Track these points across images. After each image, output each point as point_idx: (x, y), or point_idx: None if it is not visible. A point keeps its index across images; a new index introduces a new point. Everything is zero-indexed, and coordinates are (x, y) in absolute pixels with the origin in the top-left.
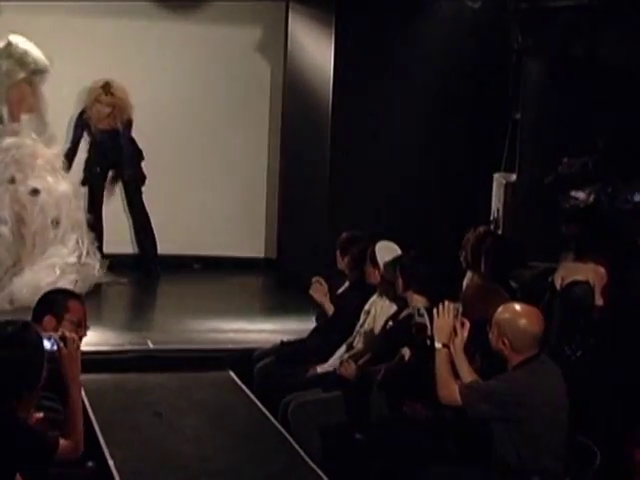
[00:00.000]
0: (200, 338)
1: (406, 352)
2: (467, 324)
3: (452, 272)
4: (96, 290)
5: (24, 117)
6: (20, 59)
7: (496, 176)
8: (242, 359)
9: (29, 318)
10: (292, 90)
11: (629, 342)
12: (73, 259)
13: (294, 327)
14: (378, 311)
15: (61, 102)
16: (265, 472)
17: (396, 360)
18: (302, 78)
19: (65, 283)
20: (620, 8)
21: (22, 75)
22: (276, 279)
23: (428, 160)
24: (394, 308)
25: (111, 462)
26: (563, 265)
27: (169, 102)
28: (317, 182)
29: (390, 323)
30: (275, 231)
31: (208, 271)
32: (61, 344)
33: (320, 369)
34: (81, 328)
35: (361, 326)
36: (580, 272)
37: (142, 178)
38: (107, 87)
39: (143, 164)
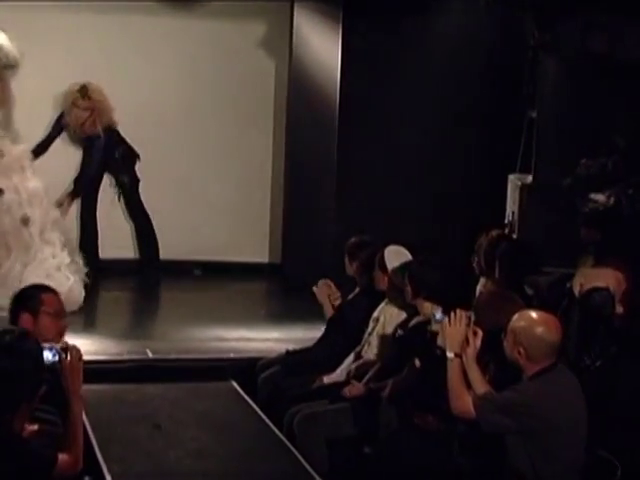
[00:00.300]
0: (202, 347)
1: (417, 363)
2: (480, 333)
3: (465, 278)
4: (93, 296)
5: None
6: None
7: (511, 177)
8: (245, 369)
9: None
10: (297, 88)
11: None
12: (67, 258)
13: (300, 335)
14: (387, 318)
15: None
16: None
17: (405, 371)
18: (308, 75)
19: (70, 283)
20: None
21: None
22: (281, 285)
23: (440, 161)
24: (403, 316)
25: (109, 477)
26: (582, 271)
27: (170, 100)
28: (323, 183)
29: (399, 331)
30: (280, 235)
31: (210, 277)
32: (63, 355)
33: (327, 379)
34: (60, 319)
35: (369, 334)
36: (599, 278)
37: (136, 182)
38: (84, 90)
39: (140, 165)
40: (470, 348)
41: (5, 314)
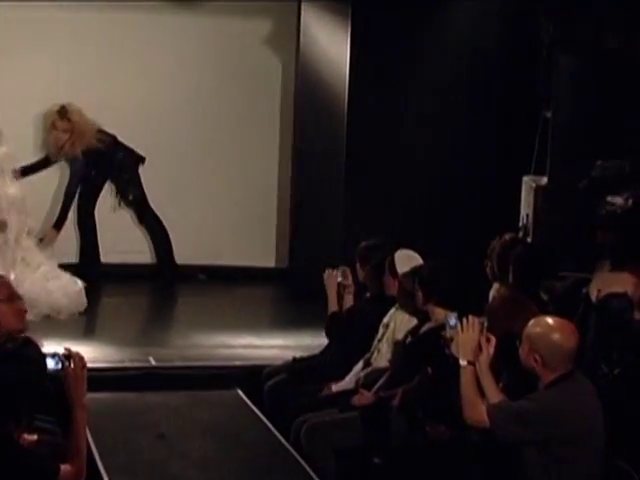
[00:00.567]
0: (206, 354)
1: (429, 371)
2: (493, 339)
3: (477, 283)
4: (94, 302)
5: None
6: None
7: (525, 179)
8: (251, 377)
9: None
10: (305, 87)
11: None
12: (55, 261)
13: (307, 342)
14: (397, 324)
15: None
16: None
17: (417, 379)
18: (316, 74)
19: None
20: None
21: None
22: (288, 290)
23: (452, 162)
24: (414, 322)
25: None
26: (598, 276)
27: (173, 100)
28: (332, 185)
29: (410, 338)
30: (287, 238)
31: (214, 282)
32: (66, 363)
33: (336, 387)
34: (14, 302)
35: (379, 340)
36: (617, 283)
37: (139, 187)
38: (63, 111)
39: (143, 168)
40: (483, 355)
41: None
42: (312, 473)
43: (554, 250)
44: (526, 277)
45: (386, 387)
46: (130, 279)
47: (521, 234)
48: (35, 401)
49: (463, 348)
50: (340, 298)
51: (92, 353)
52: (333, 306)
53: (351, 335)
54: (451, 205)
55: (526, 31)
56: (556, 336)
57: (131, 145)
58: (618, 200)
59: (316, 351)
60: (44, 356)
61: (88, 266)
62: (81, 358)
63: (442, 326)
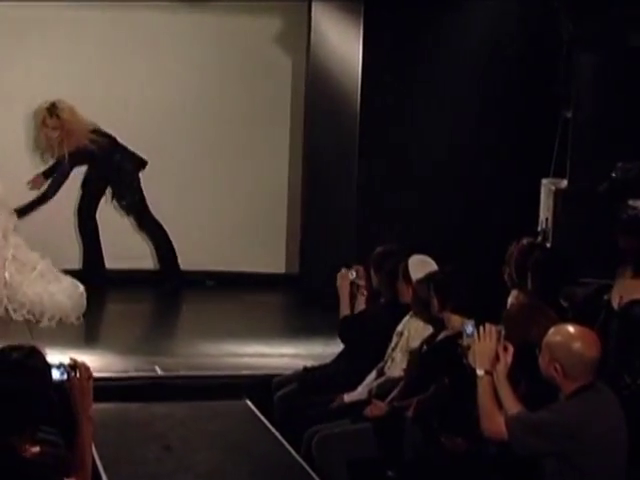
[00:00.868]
0: (214, 363)
1: (445, 381)
2: (510, 348)
3: (495, 290)
4: (98, 309)
5: None
6: None
7: (544, 182)
8: (261, 387)
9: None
10: (316, 88)
11: None
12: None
13: (319, 351)
14: (412, 333)
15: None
16: None
17: (432, 390)
18: (327, 74)
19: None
20: None
21: None
22: (298, 297)
23: (468, 164)
24: (429, 330)
25: None
26: (620, 282)
27: (180, 99)
28: (344, 187)
29: (425, 347)
30: (297, 243)
31: (222, 288)
32: (72, 373)
33: (348, 398)
34: None
35: (393, 349)
36: None
37: (139, 191)
38: (52, 108)
39: (149, 170)
40: (501, 365)
41: None
42: None
43: (574, 255)
44: (545, 283)
45: (400, 397)
46: (135, 285)
47: (540, 239)
48: (39, 412)
49: (480, 357)
50: (352, 298)
51: (96, 362)
52: (345, 309)
53: (364, 343)
54: (467, 209)
55: (545, 29)
56: (577, 345)
57: (136, 147)
58: None
59: (328, 360)
60: (49, 366)
61: (92, 272)
62: (87, 368)
63: (458, 334)
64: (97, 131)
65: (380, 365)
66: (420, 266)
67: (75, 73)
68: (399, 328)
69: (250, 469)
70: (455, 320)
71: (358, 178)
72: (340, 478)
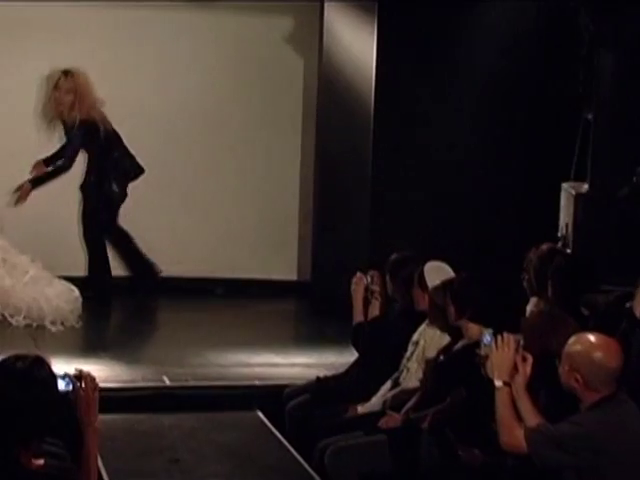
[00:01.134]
0: (224, 373)
1: (462, 392)
2: (530, 358)
3: (513, 297)
4: (104, 317)
5: None
6: None
7: (565, 186)
8: (272, 397)
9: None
10: (328, 88)
11: None
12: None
13: (331, 360)
14: (428, 342)
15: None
16: None
17: (449, 400)
18: (340, 74)
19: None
20: None
21: None
22: (310, 305)
23: (486, 168)
24: (446, 339)
25: None
26: None
27: (188, 102)
28: (357, 193)
29: (442, 357)
30: (309, 249)
31: (232, 296)
32: (77, 384)
33: (361, 409)
34: None
35: (408, 359)
36: None
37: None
38: (68, 72)
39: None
40: (520, 375)
41: None
42: None
43: (595, 262)
44: (566, 291)
45: (416, 408)
46: (142, 293)
47: (560, 245)
48: (44, 424)
49: (498, 368)
50: (367, 303)
51: (102, 372)
52: (359, 316)
53: (378, 352)
54: (485, 214)
55: (565, 28)
56: (598, 355)
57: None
58: None
59: (341, 370)
60: (55, 377)
61: (98, 279)
62: (93, 379)
63: (476, 343)
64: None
65: (395, 375)
66: (436, 273)
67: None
68: (415, 337)
69: None
70: (472, 329)
71: (372, 183)
72: None
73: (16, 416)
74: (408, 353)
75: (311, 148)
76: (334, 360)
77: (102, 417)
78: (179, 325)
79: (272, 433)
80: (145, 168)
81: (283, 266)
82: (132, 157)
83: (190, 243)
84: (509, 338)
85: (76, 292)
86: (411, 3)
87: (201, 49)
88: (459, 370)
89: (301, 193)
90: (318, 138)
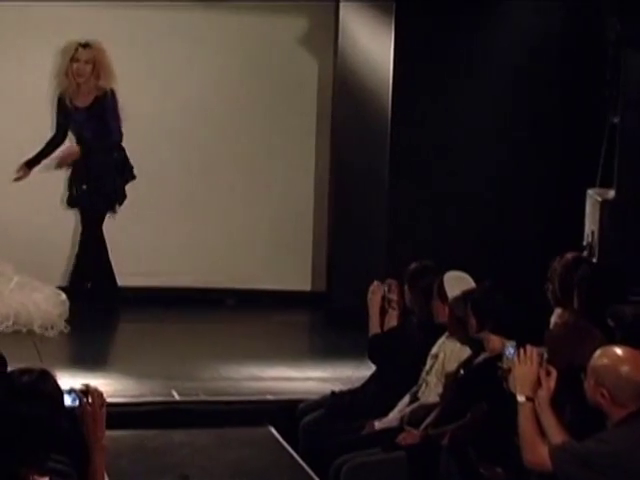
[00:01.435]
0: (235, 387)
1: (484, 407)
2: (554, 373)
3: (537, 308)
4: (110, 329)
5: None
6: None
7: (590, 192)
8: (285, 412)
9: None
10: (344, 91)
11: None
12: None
13: (347, 374)
14: (448, 355)
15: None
16: None
17: (469, 416)
18: (355, 78)
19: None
20: None
21: None
22: (326, 316)
23: (507, 174)
24: (467, 352)
25: None
26: None
27: (198, 105)
28: (374, 199)
29: (462, 370)
30: (324, 259)
31: (244, 307)
32: (84, 399)
33: (379, 425)
34: None
35: (427, 373)
36: None
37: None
38: (85, 44)
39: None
40: (543, 390)
41: None
42: None
43: (622, 271)
44: (591, 301)
45: (435, 424)
46: (150, 304)
47: (586, 253)
48: (50, 440)
49: (521, 382)
50: (383, 313)
51: (109, 386)
52: (375, 327)
53: (396, 366)
54: (507, 222)
55: (589, 29)
56: (625, 369)
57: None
58: None
59: (357, 384)
60: (61, 391)
61: (103, 288)
62: (100, 395)
63: (498, 357)
64: None
65: (413, 389)
66: (456, 283)
67: None
68: (434, 350)
69: None
70: (494, 341)
71: (389, 187)
72: None
73: (20, 432)
74: (427, 367)
75: (326, 155)
76: (350, 374)
77: (109, 433)
78: (189, 337)
79: (285, 450)
80: (154, 173)
81: (297, 276)
82: (128, 161)
83: (200, 252)
84: (532, 351)
85: (63, 296)
86: (430, 2)
87: (213, 50)
88: (480, 384)
89: (315, 199)
90: (333, 145)
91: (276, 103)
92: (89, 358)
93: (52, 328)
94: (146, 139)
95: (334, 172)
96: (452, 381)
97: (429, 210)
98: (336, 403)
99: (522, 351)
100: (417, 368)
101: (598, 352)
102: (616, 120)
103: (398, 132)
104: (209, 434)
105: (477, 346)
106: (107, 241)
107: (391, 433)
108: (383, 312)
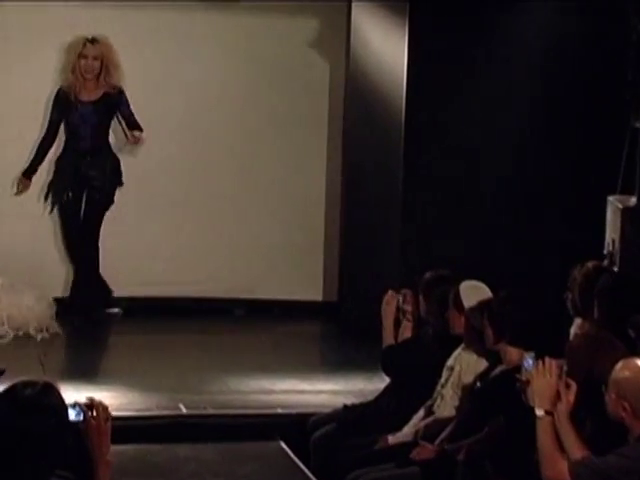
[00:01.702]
0: (244, 401)
1: (501, 421)
2: (573, 386)
3: (557, 319)
4: (115, 341)
5: None
6: None
7: (611, 199)
8: (296, 426)
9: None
10: (356, 93)
11: None
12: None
13: (360, 387)
14: (464, 367)
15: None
16: None
17: (486, 430)
18: (368, 79)
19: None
20: None
21: None
22: (337, 327)
23: (525, 181)
24: (484, 364)
25: None
26: None
27: (207, 108)
28: (388, 206)
29: (479, 383)
30: (336, 268)
31: (253, 318)
32: (88, 413)
33: (392, 439)
34: None
35: (442, 386)
36: None
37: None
38: (93, 39)
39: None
40: (563, 404)
41: None
42: None
43: None
44: (612, 312)
45: (451, 439)
46: (157, 315)
47: (606, 262)
48: (54, 455)
49: (539, 396)
50: (397, 324)
51: (114, 399)
52: (389, 338)
53: (410, 378)
54: (525, 229)
55: (611, 29)
56: None
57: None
58: None
59: (370, 397)
60: (65, 404)
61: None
62: (105, 409)
63: (516, 369)
64: None
65: (428, 403)
66: (473, 293)
67: None
68: (450, 362)
69: None
70: (512, 353)
71: (403, 194)
72: None
73: (24, 446)
74: (442, 379)
75: (338, 160)
76: (363, 387)
77: (114, 448)
78: (196, 349)
79: (296, 465)
80: (162, 178)
81: (308, 286)
82: (120, 165)
83: (207, 261)
84: (551, 363)
85: (49, 298)
86: (444, 2)
87: (223, 52)
88: (498, 397)
89: (327, 206)
90: (345, 149)
91: (287, 105)
92: (94, 370)
93: (47, 330)
94: (158, 143)
95: (346, 179)
96: (468, 394)
97: (445, 218)
98: (348, 417)
99: (541, 363)
100: (432, 381)
101: (619, 364)
102: (638, 124)
103: (412, 134)
104: (217, 449)
105: (494, 358)
106: (111, 249)
107: (405, 448)
108: (397, 323)
